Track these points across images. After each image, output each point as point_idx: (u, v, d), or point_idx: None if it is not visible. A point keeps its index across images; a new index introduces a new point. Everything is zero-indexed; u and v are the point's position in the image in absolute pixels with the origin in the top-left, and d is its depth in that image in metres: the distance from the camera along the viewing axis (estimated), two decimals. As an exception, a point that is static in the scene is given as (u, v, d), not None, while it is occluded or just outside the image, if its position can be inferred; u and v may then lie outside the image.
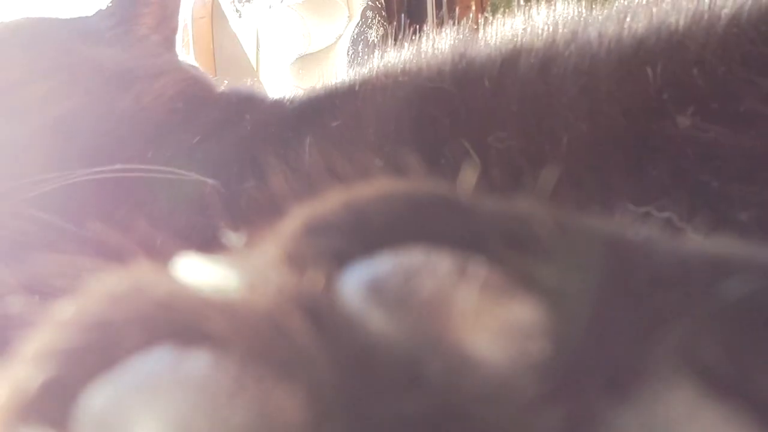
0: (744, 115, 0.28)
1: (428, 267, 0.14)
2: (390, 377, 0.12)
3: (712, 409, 0.12)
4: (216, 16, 1.69)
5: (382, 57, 0.46)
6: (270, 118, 0.46)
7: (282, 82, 1.74)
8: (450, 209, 0.16)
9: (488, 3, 1.75)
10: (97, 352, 0.13)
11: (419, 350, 0.13)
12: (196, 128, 0.48)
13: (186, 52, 1.63)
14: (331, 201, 0.16)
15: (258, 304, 0.13)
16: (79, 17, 0.61)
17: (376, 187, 0.16)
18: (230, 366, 0.12)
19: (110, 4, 0.61)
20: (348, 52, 1.71)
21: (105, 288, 0.14)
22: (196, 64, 1.50)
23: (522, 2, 0.42)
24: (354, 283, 0.14)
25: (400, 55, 0.42)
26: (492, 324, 0.13)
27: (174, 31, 0.63)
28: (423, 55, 0.39)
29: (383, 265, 0.14)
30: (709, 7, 0.31)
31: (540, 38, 0.34)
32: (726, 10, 0.30)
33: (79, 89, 0.49)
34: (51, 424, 0.13)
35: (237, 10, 1.81)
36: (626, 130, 0.30)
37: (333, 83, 0.47)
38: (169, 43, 0.62)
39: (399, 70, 0.39)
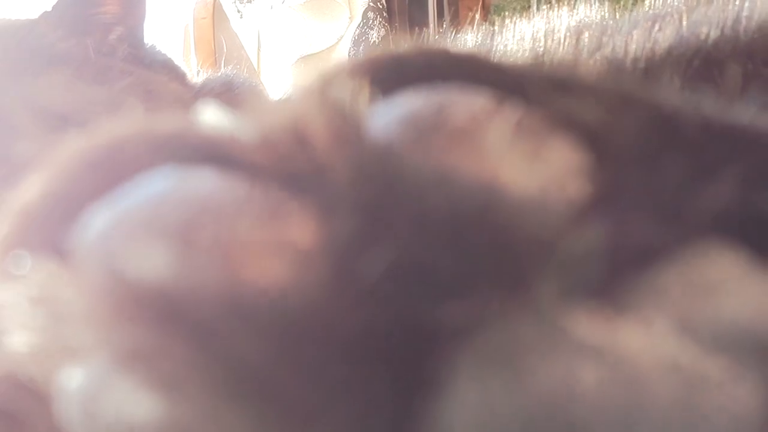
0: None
1: (463, 101, 0.13)
2: (414, 185, 0.12)
3: (761, 280, 0.11)
4: (217, 16, 1.69)
5: None
6: None
7: (283, 83, 1.74)
8: (489, 62, 0.15)
9: (491, 5, 1.75)
10: (101, 172, 0.13)
11: (447, 170, 0.12)
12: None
13: (187, 53, 1.63)
14: (373, 52, 0.16)
15: (280, 123, 0.13)
16: (20, 26, 0.51)
17: (414, 45, 0.16)
18: (238, 181, 0.12)
19: (57, 7, 0.52)
20: (349, 53, 1.71)
21: (117, 120, 0.14)
22: (196, 65, 1.49)
23: (524, 5, 0.42)
24: (385, 111, 0.13)
25: None
26: (527, 157, 0.12)
27: (141, 18, 0.55)
28: None
29: (416, 97, 0.14)
30: (737, 16, 0.31)
31: (563, 46, 0.34)
32: (754, 23, 0.30)
33: (19, 148, 0.41)
34: (51, 247, 0.12)
35: (238, 11, 1.81)
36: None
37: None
38: (134, 36, 0.54)
39: None
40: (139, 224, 0.12)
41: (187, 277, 0.11)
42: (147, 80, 0.51)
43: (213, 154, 0.12)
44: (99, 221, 0.12)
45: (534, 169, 0.12)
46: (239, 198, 0.12)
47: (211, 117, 0.14)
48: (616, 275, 0.11)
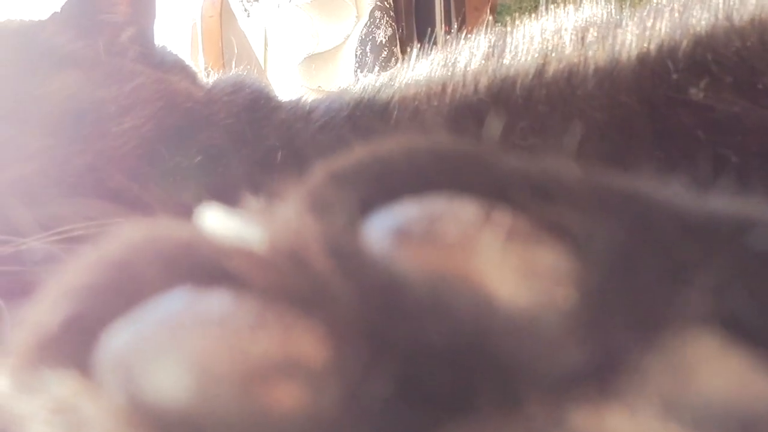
0: (764, 91, 0.29)
1: (452, 212, 0.14)
2: (414, 311, 0.12)
3: (739, 357, 0.12)
4: (225, 15, 1.70)
5: (412, 69, 0.45)
6: (298, 143, 0.44)
7: (290, 82, 1.74)
8: (473, 161, 0.16)
9: (497, 5, 1.74)
10: (119, 292, 0.13)
11: (444, 289, 0.13)
12: (194, 147, 0.45)
13: (195, 51, 1.63)
14: (355, 153, 0.16)
15: (281, 245, 0.14)
16: (30, 27, 0.51)
17: (400, 141, 0.16)
18: (251, 303, 0.12)
19: (66, 8, 0.52)
20: (356, 52, 1.71)
21: (127, 232, 0.14)
22: (204, 62, 1.50)
23: (533, 5, 0.43)
24: (378, 227, 0.14)
25: (432, 71, 0.41)
26: (517, 268, 0.13)
27: (151, 18, 0.55)
28: (457, 70, 0.39)
29: (408, 210, 0.14)
30: (731, 9, 0.32)
31: (570, 44, 0.35)
32: (746, 15, 0.31)
33: (32, 148, 0.42)
34: (72, 364, 0.13)
35: (245, 9, 1.81)
36: (643, 116, 0.31)
37: (360, 99, 0.44)
38: (144, 36, 0.54)
39: (439, 90, 0.39)
40: (157, 349, 0.12)
41: (205, 403, 0.11)
42: (158, 80, 0.51)
43: (223, 270, 0.13)
44: (118, 343, 0.13)
45: (525, 282, 0.13)
46: (253, 321, 0.12)
47: (215, 223, 0.15)
48: (602, 374, 0.12)
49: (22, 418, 0.12)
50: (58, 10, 0.53)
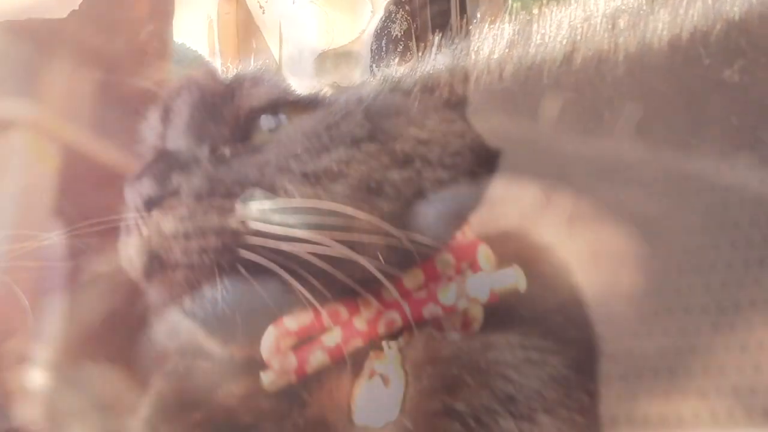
0: None
1: (512, 195, 0.14)
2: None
3: None
4: (241, 11, 1.70)
5: (434, 59, 0.45)
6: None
7: (305, 78, 1.75)
8: (531, 143, 0.15)
9: (512, -4, 1.74)
10: (165, 284, 0.13)
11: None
12: (214, 141, 0.46)
13: (212, 48, 1.64)
14: (408, 137, 0.16)
15: (330, 233, 0.13)
16: (51, 25, 0.53)
17: (456, 124, 0.16)
18: (300, 292, 0.12)
19: (84, 5, 0.54)
20: (371, 47, 1.71)
21: (167, 222, 0.14)
22: (221, 59, 1.50)
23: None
24: (435, 211, 0.14)
25: (455, 59, 0.42)
26: (580, 251, 0.13)
27: (170, 15, 0.58)
28: (481, 58, 0.39)
29: (466, 193, 0.14)
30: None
31: (599, 31, 0.35)
32: None
33: (57, 145, 0.45)
34: (116, 358, 0.13)
35: (261, 6, 1.82)
36: (675, 101, 0.32)
37: (381, 90, 0.45)
38: (164, 33, 0.57)
39: (462, 77, 0.39)
40: (207, 341, 0.12)
41: (255, 396, 0.11)
42: (178, 76, 0.51)
43: (272, 258, 0.13)
44: (164, 337, 0.12)
45: (591, 266, 0.13)
46: (304, 311, 0.12)
47: (260, 213, 0.14)
48: (672, 358, 0.11)
49: (63, 414, 0.12)
50: (76, 7, 0.54)
